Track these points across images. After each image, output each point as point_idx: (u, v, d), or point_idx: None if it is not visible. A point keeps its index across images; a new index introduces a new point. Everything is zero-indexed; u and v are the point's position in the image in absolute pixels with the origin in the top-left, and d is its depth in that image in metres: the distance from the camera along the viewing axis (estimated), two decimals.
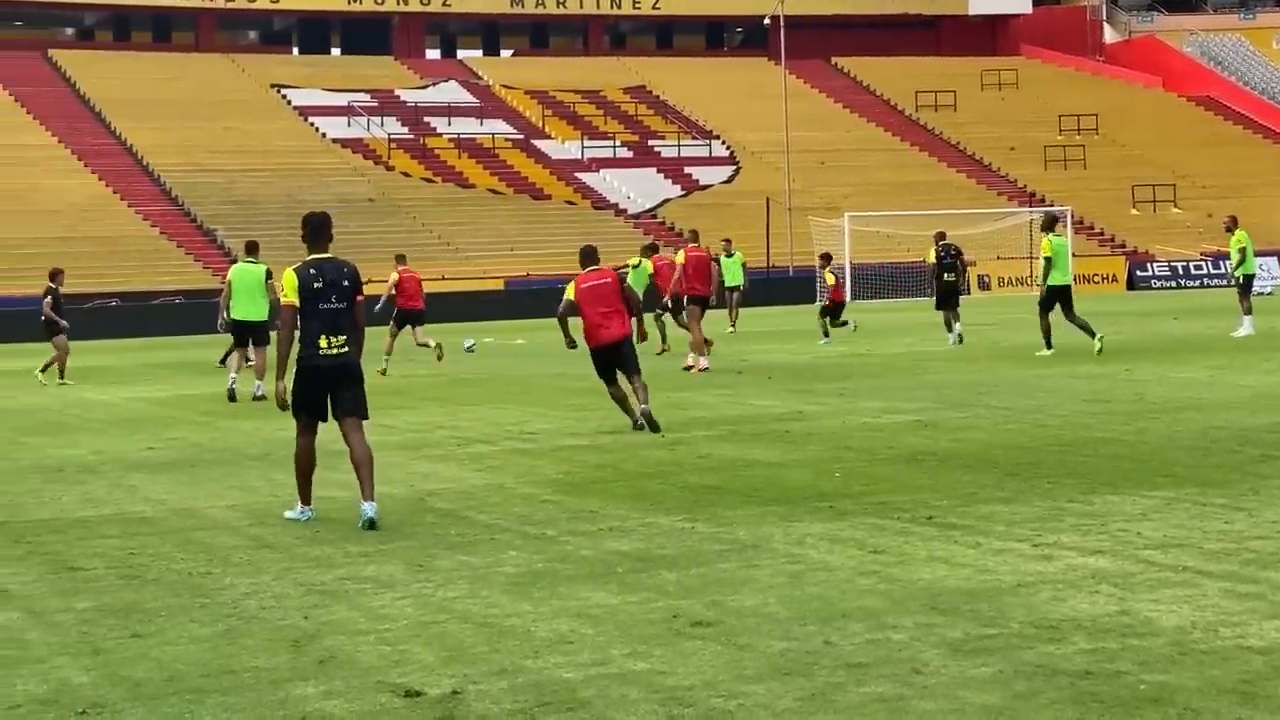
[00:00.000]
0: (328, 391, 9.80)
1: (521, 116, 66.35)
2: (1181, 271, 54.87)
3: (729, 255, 33.73)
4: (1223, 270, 46.67)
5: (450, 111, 64.91)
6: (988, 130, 68.45)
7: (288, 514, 10.02)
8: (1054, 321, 22.20)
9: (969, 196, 60.43)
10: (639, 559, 8.24)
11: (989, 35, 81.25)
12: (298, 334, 9.86)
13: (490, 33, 78.03)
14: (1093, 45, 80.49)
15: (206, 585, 7.99)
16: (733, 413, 15.76)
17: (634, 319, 14.99)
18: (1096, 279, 53.11)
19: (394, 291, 25.16)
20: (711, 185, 61.86)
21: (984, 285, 52.62)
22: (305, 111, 64.02)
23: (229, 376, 19.47)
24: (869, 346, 26.02)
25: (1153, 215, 61.25)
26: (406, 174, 59.76)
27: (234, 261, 27.40)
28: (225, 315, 20.39)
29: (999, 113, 70.59)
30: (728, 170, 63.58)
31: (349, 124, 63.05)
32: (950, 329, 25.95)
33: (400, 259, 26.78)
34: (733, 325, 33.11)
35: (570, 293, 14.78)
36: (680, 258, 23.91)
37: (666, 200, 59.98)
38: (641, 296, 23.88)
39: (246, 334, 19.54)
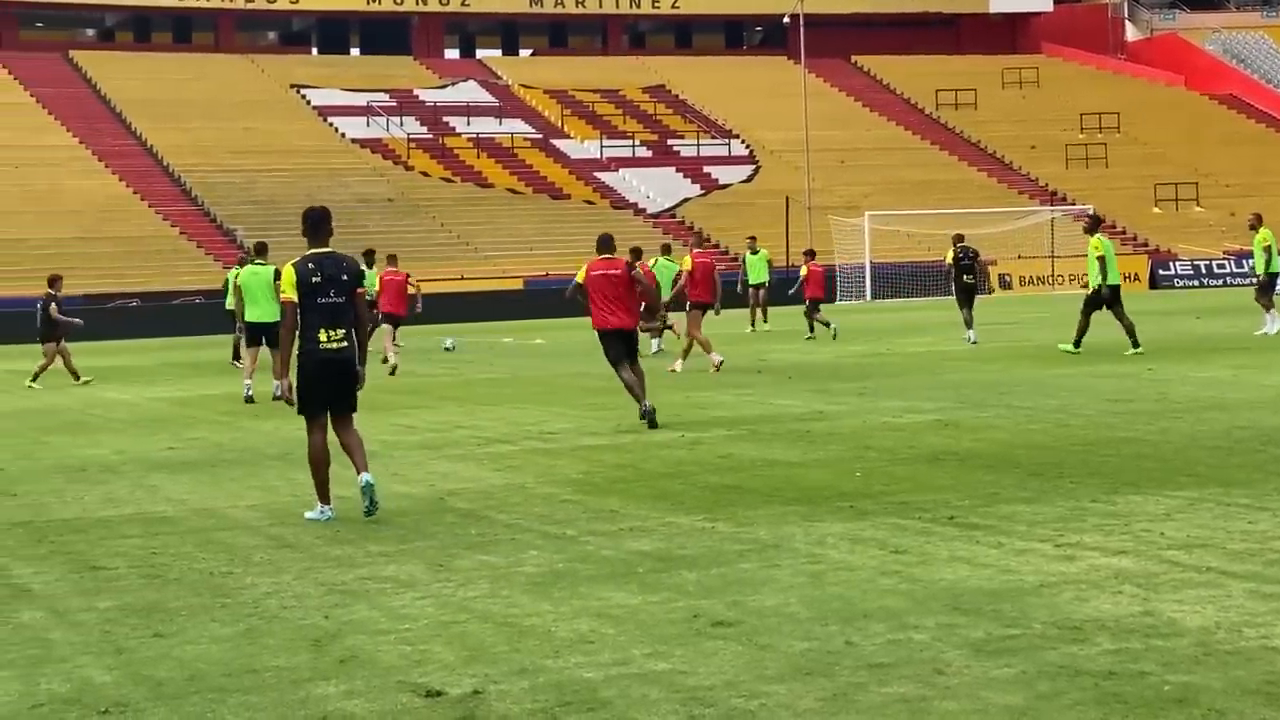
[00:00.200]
0: (332, 384, 9.86)
1: (540, 116, 66.39)
2: (1204, 270, 54.67)
3: (754, 253, 33.77)
4: (1245, 269, 46.49)
5: (469, 111, 64.98)
6: (1009, 129, 68.28)
7: (308, 515, 10.03)
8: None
9: (990, 195, 60.30)
10: (659, 559, 8.22)
11: (1010, 33, 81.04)
12: (299, 329, 9.95)
13: (509, 32, 78.10)
14: (1114, 43, 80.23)
15: (228, 585, 8.00)
16: (753, 412, 15.74)
17: (648, 306, 15.14)
18: None
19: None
20: (731, 185, 61.82)
21: (1005, 284, 52.49)
22: (324, 111, 64.17)
23: (244, 383, 19.46)
24: (889, 346, 25.97)
25: (1175, 214, 61.02)
26: (426, 174, 59.86)
27: (242, 263, 27.58)
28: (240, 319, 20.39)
29: (1020, 111, 70.41)
30: (747, 169, 63.53)
31: (368, 124, 63.18)
32: (969, 326, 25.97)
33: (391, 259, 26.78)
34: (764, 321, 33.07)
35: (581, 276, 14.97)
36: (687, 264, 23.88)
37: (686, 200, 59.97)
38: (667, 294, 23.97)
39: (260, 335, 19.56)
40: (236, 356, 27.35)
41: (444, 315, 41.36)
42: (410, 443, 14.12)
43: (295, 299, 9.79)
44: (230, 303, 26.68)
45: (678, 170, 62.58)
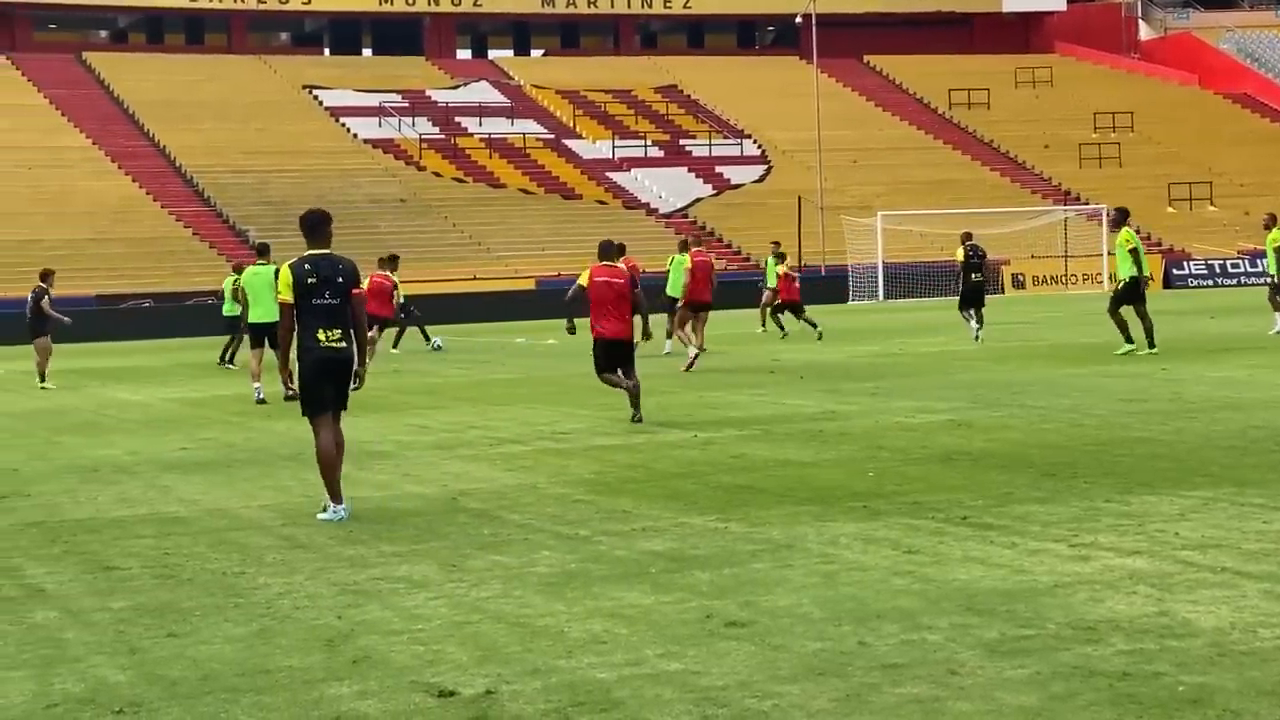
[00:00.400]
0: (333, 382, 10.00)
1: (552, 116, 66.41)
2: (1218, 270, 54.52)
3: (778, 258, 33.93)
4: (1260, 268, 46.34)
5: (481, 111, 65.02)
6: (1022, 128, 68.15)
7: (320, 516, 10.02)
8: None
9: (1003, 195, 60.20)
10: (672, 559, 8.22)
11: (1023, 33, 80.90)
12: (297, 329, 10.10)
13: (521, 32, 78.13)
14: (1128, 42, 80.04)
15: (241, 585, 8.01)
16: (765, 412, 15.73)
17: (640, 317, 15.38)
18: None
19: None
20: (743, 184, 61.77)
21: (1018, 284, 52.41)
22: (337, 112, 64.25)
23: (254, 386, 19.50)
24: (901, 345, 25.94)
25: (1189, 213, 60.85)
26: (438, 174, 59.90)
27: (238, 269, 28.07)
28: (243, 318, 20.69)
29: (1033, 110, 70.27)
30: (759, 169, 63.48)
31: (380, 124, 63.24)
32: (979, 323, 25.95)
33: (381, 263, 27.28)
34: (781, 328, 33.04)
35: (584, 279, 15.12)
36: (686, 262, 23.86)
37: (698, 200, 59.94)
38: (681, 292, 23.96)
39: (263, 336, 19.59)
40: (223, 359, 27.61)
41: (457, 316, 41.44)
42: (424, 443, 14.13)
43: (291, 300, 9.96)
44: (228, 308, 27.11)
45: (690, 170, 62.56)
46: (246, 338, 20.79)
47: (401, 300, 30.25)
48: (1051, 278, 52.87)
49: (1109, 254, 49.19)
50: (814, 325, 28.92)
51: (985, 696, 5.49)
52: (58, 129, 59.13)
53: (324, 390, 9.99)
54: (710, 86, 70.34)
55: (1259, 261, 45.91)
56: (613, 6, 74.67)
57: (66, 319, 24.59)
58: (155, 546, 9.25)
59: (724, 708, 5.49)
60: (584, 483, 11.22)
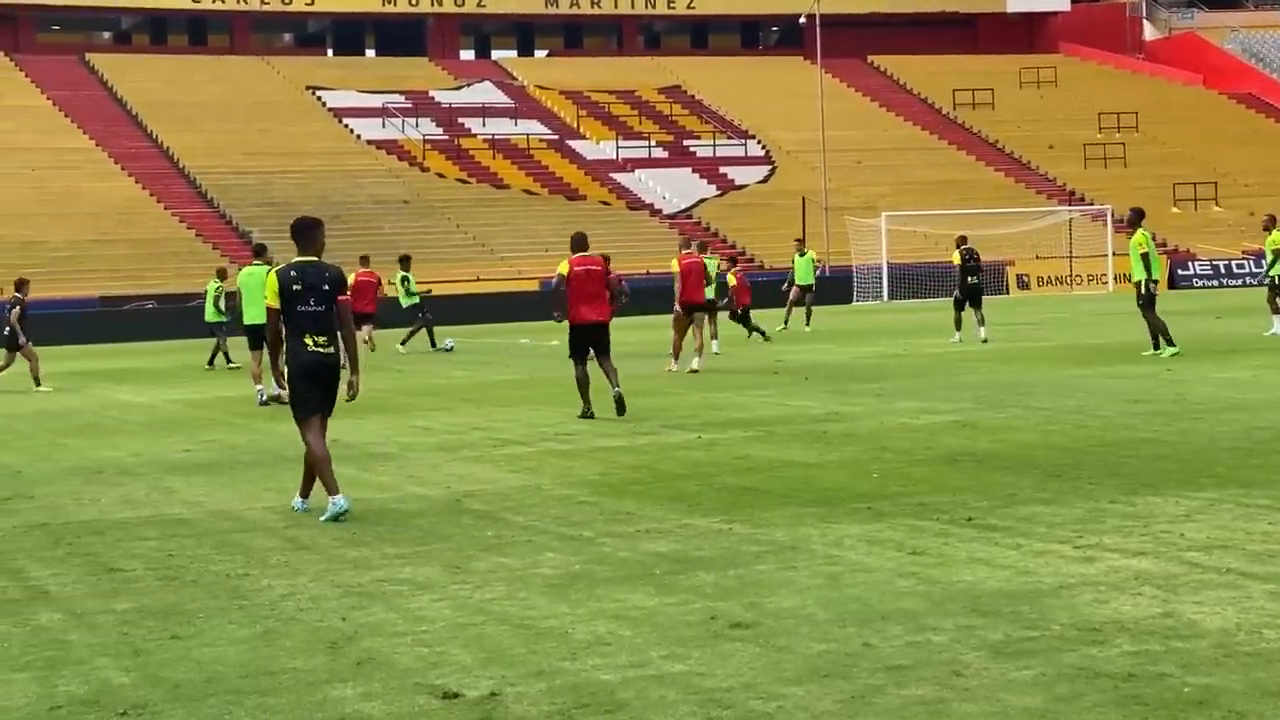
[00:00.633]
0: (321, 385, 10.14)
1: (556, 117, 66.41)
2: (1223, 270, 54.48)
3: (801, 255, 34.08)
4: (1264, 269, 46.27)
5: (485, 112, 65.03)
6: (1026, 129, 68.11)
7: (323, 517, 10.01)
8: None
9: (1007, 195, 60.15)
10: (676, 560, 8.21)
11: (1027, 33, 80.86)
12: (285, 334, 10.28)
13: (524, 33, 78.15)
14: (1132, 42, 79.99)
15: (244, 587, 8.00)
16: (770, 413, 15.72)
17: (614, 297, 16.25)
18: None
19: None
20: (747, 185, 61.75)
21: (1023, 284, 52.38)
22: (340, 113, 64.26)
23: (256, 388, 19.49)
24: (906, 346, 25.92)
25: (1194, 214, 60.81)
26: (441, 175, 59.91)
27: (221, 275, 28.37)
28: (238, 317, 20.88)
29: (1038, 111, 70.23)
30: (763, 170, 63.46)
31: (384, 125, 63.25)
32: (981, 322, 25.95)
33: (363, 260, 27.56)
34: (806, 325, 33.01)
35: (564, 268, 16.05)
36: (674, 265, 23.79)
37: (702, 200, 59.93)
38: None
39: (259, 338, 19.57)
40: (211, 363, 27.71)
41: (460, 317, 41.42)
42: (427, 444, 14.13)
43: (277, 306, 10.16)
44: (209, 314, 27.29)
45: (694, 171, 62.55)
46: (245, 339, 20.76)
47: (417, 300, 30.62)
48: (1056, 278, 52.83)
49: (1114, 254, 49.28)
50: (761, 332, 28.89)
51: (990, 698, 5.48)
52: (61, 130, 59.17)
53: (312, 393, 10.14)
54: (714, 87, 70.33)
55: (1263, 262, 45.84)
56: (616, 7, 74.67)
57: (22, 337, 23.96)
58: (159, 548, 9.25)
59: (728, 709, 5.48)
60: (588, 484, 11.22)
